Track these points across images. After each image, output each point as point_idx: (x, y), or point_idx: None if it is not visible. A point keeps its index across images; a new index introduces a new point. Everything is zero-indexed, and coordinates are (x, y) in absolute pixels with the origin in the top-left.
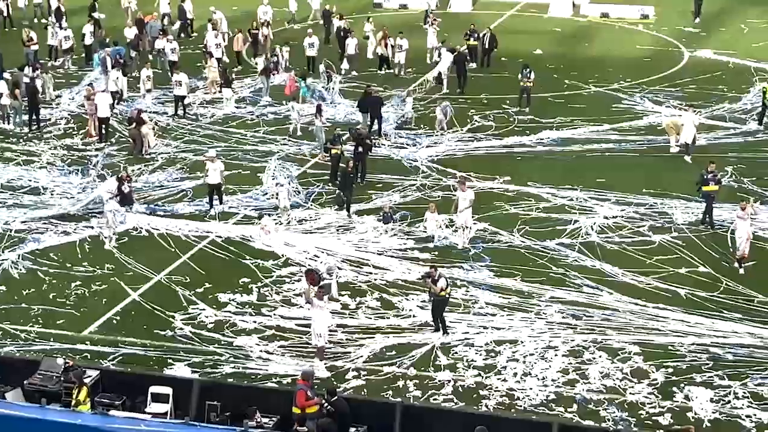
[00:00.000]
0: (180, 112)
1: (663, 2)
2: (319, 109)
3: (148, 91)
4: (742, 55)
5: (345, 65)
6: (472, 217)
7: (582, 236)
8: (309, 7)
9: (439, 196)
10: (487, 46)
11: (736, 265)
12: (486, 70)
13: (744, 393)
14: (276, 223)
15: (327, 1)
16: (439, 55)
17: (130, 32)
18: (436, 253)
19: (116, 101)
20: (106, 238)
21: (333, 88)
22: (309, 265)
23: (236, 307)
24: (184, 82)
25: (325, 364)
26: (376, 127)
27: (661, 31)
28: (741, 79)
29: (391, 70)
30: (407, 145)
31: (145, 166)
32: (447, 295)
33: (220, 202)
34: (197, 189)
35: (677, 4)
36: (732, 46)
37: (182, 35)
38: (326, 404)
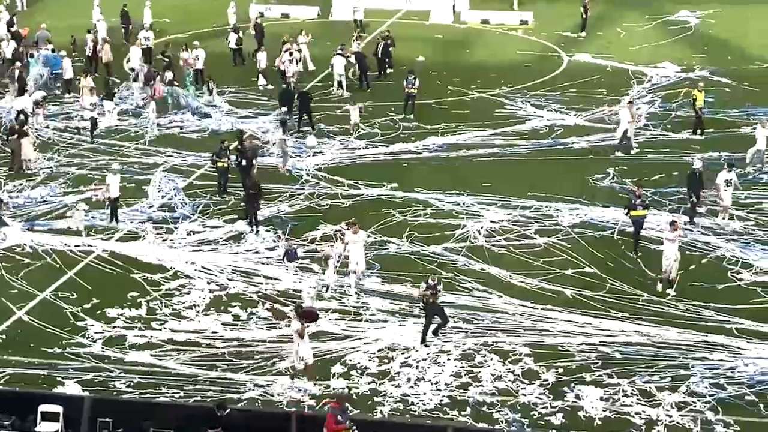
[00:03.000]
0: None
1: (541, 9)
2: (283, 123)
3: (37, 104)
4: (619, 59)
5: (261, 81)
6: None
7: (470, 240)
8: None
9: (327, 205)
10: (380, 55)
11: (661, 287)
12: (380, 78)
13: (633, 390)
14: (157, 235)
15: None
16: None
17: (8, 48)
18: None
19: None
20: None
21: (213, 98)
22: (264, 293)
23: (125, 322)
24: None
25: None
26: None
27: (541, 36)
28: (619, 82)
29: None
30: (293, 154)
31: (26, 181)
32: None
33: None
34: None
35: (555, 10)
36: (610, 50)
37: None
38: (354, 428)
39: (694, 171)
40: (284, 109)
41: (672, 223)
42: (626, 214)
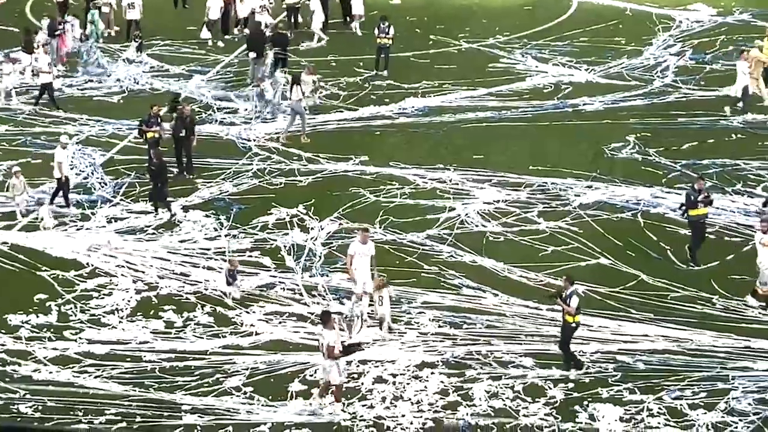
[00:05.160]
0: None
1: None
2: (296, 81)
3: None
4: (641, 0)
5: (205, 34)
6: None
7: (458, 226)
8: None
9: (281, 183)
10: None
11: (755, 301)
12: (345, 26)
13: (660, 409)
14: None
15: None
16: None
17: None
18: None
19: None
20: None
21: (139, 54)
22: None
23: (31, 332)
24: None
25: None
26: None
27: None
28: (641, 29)
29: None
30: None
31: None
32: (575, 324)
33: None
34: None
35: None
36: None
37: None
38: None
39: None
40: (252, 55)
41: (766, 222)
42: (683, 215)
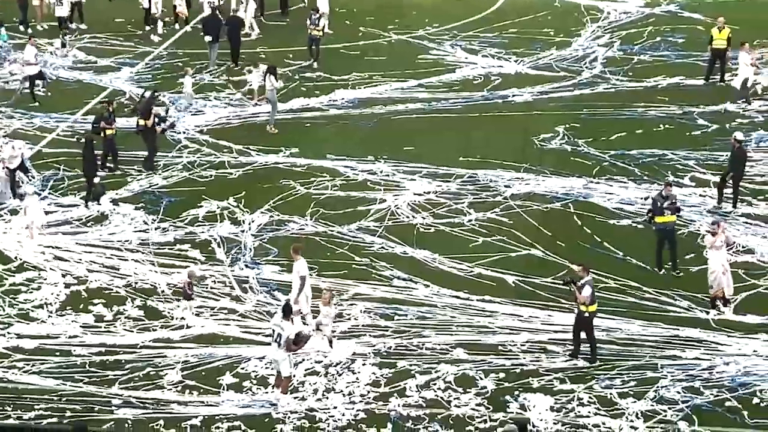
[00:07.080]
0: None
1: None
2: (271, 70)
3: None
4: None
5: (158, 30)
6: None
7: (389, 218)
8: None
9: (211, 176)
10: None
11: (714, 309)
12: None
13: (590, 398)
14: None
15: None
16: None
17: None
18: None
19: None
20: None
21: (66, 51)
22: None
23: None
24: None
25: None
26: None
27: None
28: (569, 21)
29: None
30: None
31: None
32: (589, 314)
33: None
34: None
35: None
36: None
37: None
38: None
39: (736, 144)
40: (208, 38)
41: (714, 224)
42: (649, 222)
